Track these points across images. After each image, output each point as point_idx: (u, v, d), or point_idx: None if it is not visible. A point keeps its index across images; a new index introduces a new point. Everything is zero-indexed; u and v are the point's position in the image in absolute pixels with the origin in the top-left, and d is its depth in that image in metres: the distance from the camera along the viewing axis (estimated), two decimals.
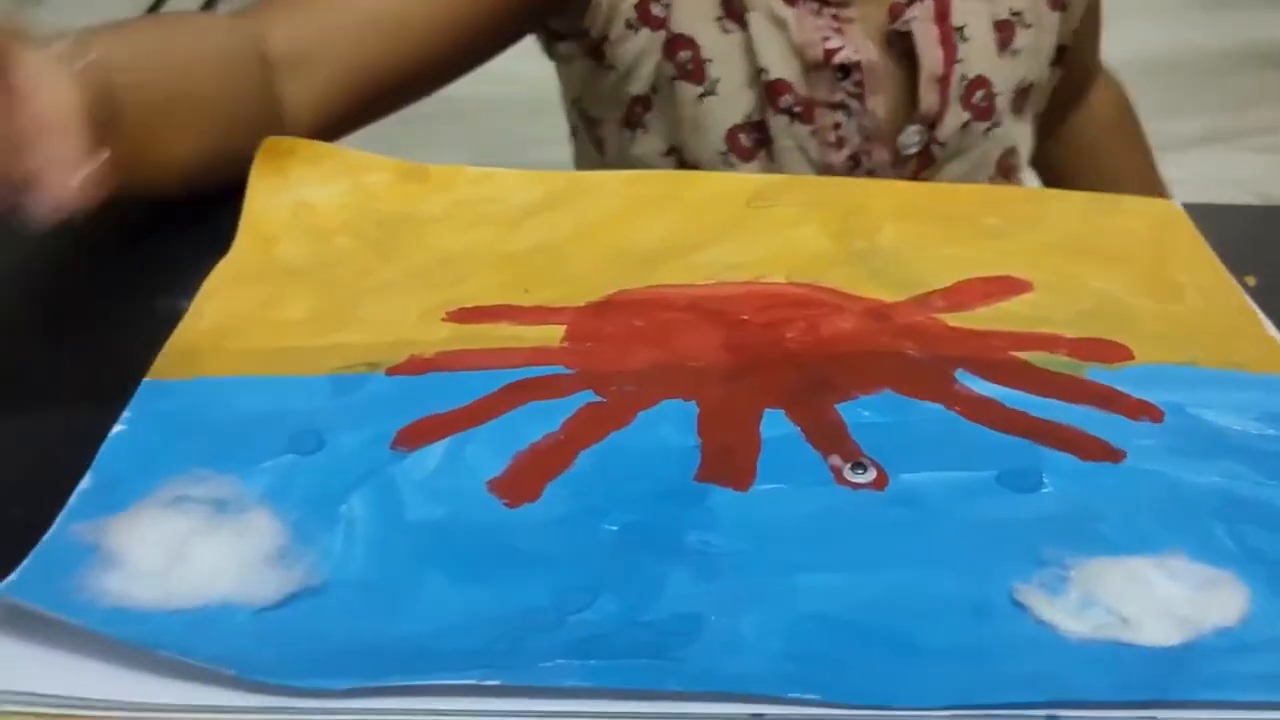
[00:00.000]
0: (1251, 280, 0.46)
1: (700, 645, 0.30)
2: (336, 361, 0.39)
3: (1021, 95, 0.64)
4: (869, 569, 0.32)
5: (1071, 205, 0.48)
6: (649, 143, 0.61)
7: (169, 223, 0.48)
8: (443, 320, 0.42)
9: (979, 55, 0.61)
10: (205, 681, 0.28)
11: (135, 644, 0.28)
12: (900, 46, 0.59)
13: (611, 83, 0.61)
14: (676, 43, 0.59)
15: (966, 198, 0.50)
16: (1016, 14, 0.62)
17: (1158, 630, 0.29)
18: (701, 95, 0.59)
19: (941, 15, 0.59)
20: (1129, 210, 0.48)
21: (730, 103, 0.59)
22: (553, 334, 0.41)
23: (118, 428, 0.36)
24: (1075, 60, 0.68)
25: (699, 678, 0.28)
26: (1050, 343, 0.40)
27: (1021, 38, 0.62)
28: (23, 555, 0.31)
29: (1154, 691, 0.28)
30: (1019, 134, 0.64)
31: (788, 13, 0.58)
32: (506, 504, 0.34)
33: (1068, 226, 0.46)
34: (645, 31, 0.59)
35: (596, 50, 0.60)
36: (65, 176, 0.34)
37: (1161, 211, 0.48)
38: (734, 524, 0.33)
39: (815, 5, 0.58)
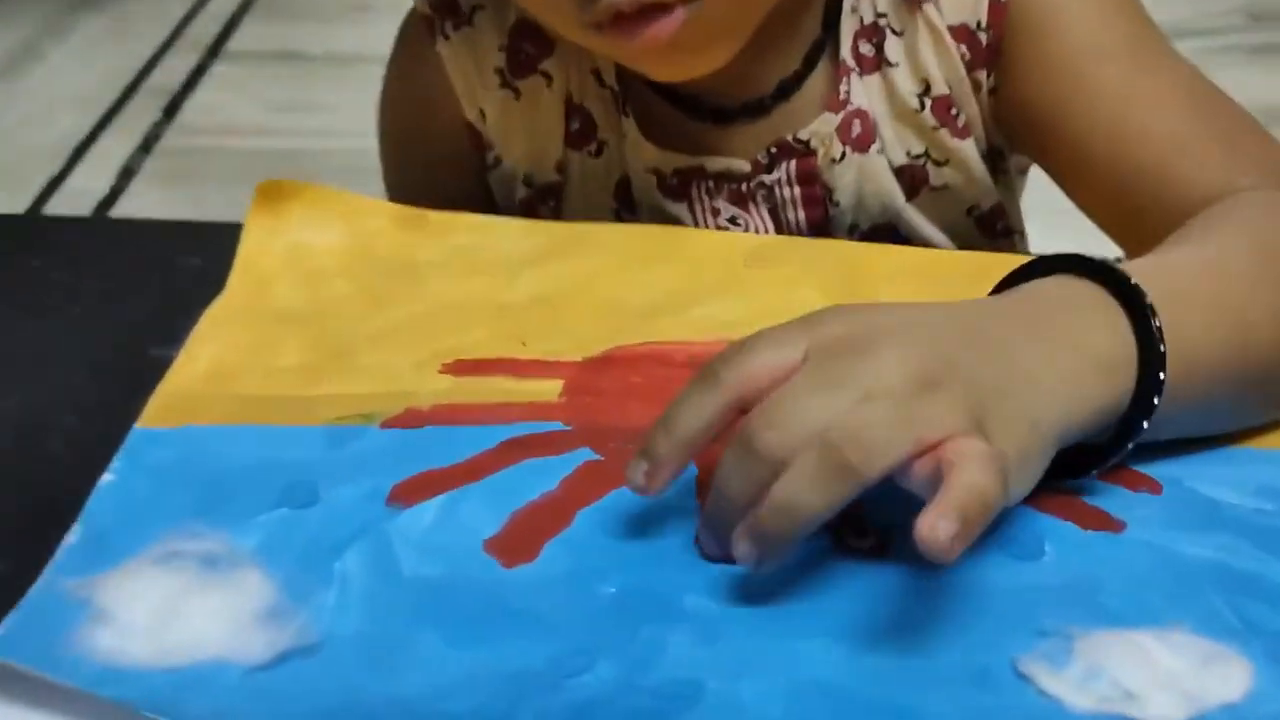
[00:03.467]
0: None
1: (699, 712, 0.29)
2: (331, 412, 0.39)
3: (988, 218, 0.56)
4: (869, 636, 0.31)
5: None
6: None
7: (161, 267, 0.48)
8: (440, 371, 0.41)
9: (872, 208, 0.54)
10: None
11: (125, 703, 0.28)
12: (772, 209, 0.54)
13: None
14: None
15: (965, 264, 0.50)
16: (920, 155, 0.54)
17: (1164, 706, 0.29)
18: None
19: (806, 177, 0.53)
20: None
21: None
22: (550, 388, 0.40)
23: (106, 477, 0.36)
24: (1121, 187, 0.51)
25: None
26: None
27: (937, 176, 0.54)
28: (7, 610, 0.30)
29: None
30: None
31: (677, 207, 0.54)
32: (502, 564, 0.33)
33: None
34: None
35: None
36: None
37: None
38: (733, 588, 0.33)
39: (709, 186, 0.54)
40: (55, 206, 1.45)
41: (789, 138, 0.53)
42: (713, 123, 0.53)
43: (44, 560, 0.32)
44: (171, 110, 1.68)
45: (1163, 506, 0.36)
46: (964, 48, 0.52)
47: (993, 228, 0.57)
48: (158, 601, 0.31)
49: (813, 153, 0.53)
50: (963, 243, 0.57)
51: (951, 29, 0.52)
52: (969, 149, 0.54)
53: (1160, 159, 0.48)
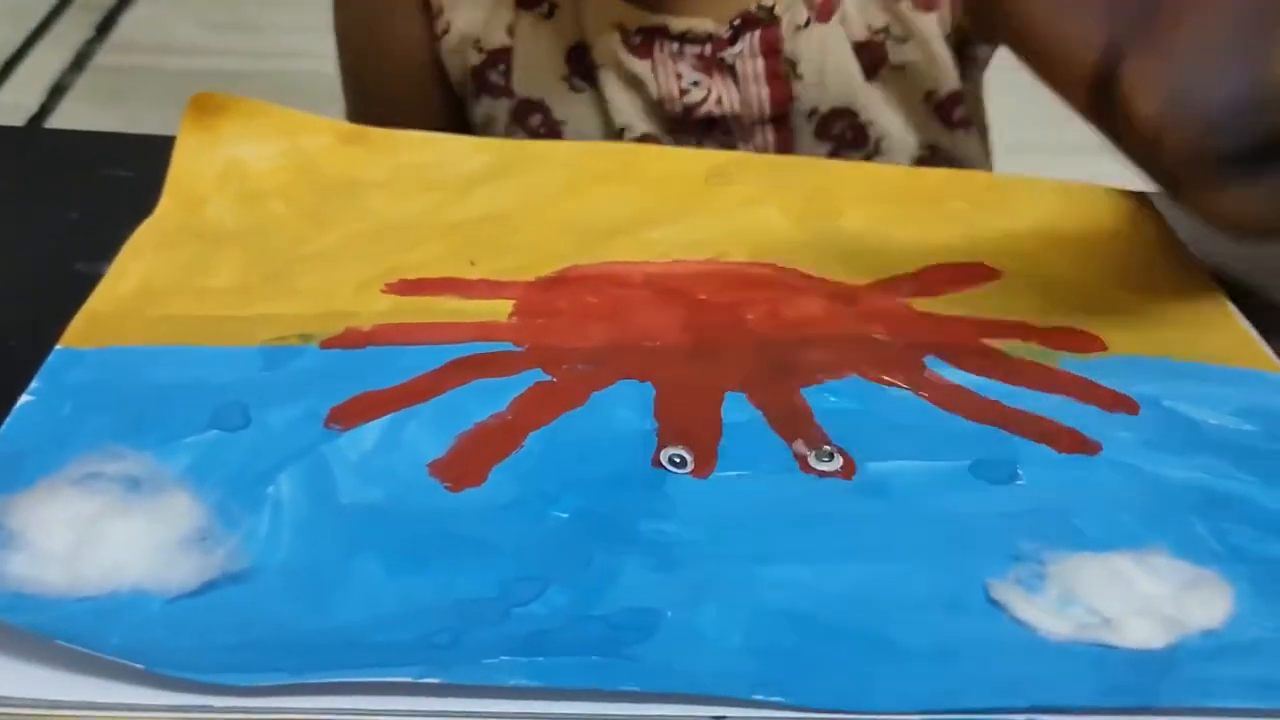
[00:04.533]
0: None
1: (656, 641, 0.27)
2: (267, 333, 0.37)
3: (946, 105, 0.57)
4: (836, 562, 0.30)
5: (1041, 193, 0.46)
6: None
7: (87, 179, 0.45)
8: (382, 292, 0.39)
9: (837, 86, 0.55)
10: (113, 676, 0.25)
11: (36, 633, 0.26)
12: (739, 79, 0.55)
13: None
14: (523, 107, 0.57)
15: (933, 182, 0.48)
16: (880, 30, 0.55)
17: (1142, 631, 0.28)
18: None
19: (770, 52, 0.54)
20: (1100, 200, 0.46)
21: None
22: (500, 309, 0.38)
23: (24, 398, 0.33)
24: None
25: (655, 677, 0.26)
26: (1021, 331, 0.38)
27: (898, 54, 0.56)
28: None
29: (1140, 697, 0.26)
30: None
31: (641, 65, 0.54)
32: (448, 488, 0.32)
33: (1037, 213, 0.45)
34: (487, 100, 0.57)
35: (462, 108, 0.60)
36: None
37: (1134, 203, 0.46)
38: (692, 512, 0.31)
39: (675, 46, 0.54)
40: None
41: (753, 7, 0.53)
42: None
43: None
44: (105, 26, 1.64)
45: (1141, 427, 0.34)
46: None
47: (950, 115, 0.57)
48: (75, 525, 0.29)
49: (776, 20, 0.53)
50: (919, 130, 0.56)
51: None
52: (931, 24, 0.55)
53: None
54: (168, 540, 0.29)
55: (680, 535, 0.30)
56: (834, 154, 0.57)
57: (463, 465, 0.32)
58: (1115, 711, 0.26)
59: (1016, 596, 0.28)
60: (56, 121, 1.44)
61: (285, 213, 0.43)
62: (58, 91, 1.50)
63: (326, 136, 0.46)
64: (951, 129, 0.58)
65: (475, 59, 0.57)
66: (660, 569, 0.29)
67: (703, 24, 0.54)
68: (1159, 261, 0.43)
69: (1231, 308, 0.41)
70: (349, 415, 0.33)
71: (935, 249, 0.42)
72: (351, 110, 0.62)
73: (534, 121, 0.57)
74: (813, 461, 0.33)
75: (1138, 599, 0.29)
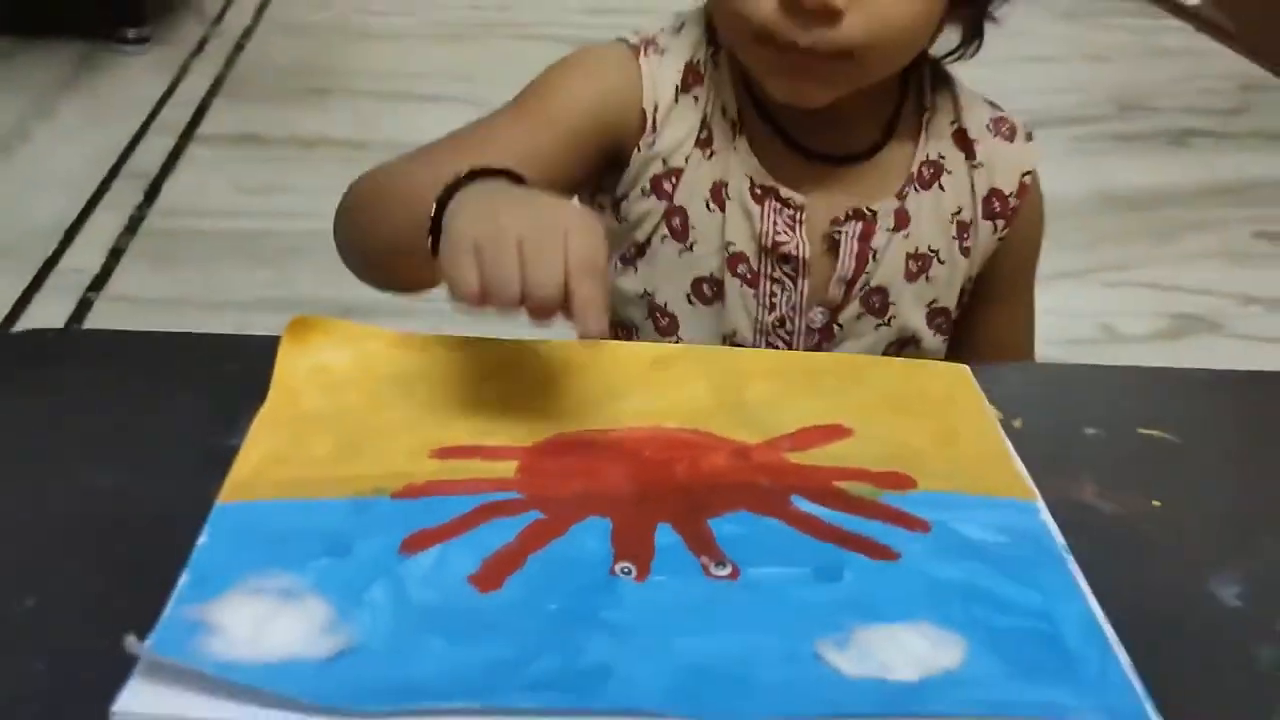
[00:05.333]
0: (1018, 423, 0.64)
1: (611, 685, 0.45)
2: (353, 488, 0.55)
3: (936, 314, 0.81)
4: (723, 633, 0.47)
5: (889, 369, 0.65)
6: (631, 282, 0.79)
7: (214, 376, 0.63)
8: (429, 457, 0.57)
9: (887, 274, 0.78)
10: (289, 709, 0.43)
11: (239, 683, 0.43)
12: (832, 249, 0.77)
13: (620, 230, 0.79)
14: (673, 211, 0.77)
15: (816, 363, 0.67)
16: (934, 251, 0.79)
17: (904, 671, 0.46)
18: (681, 251, 0.78)
19: (865, 237, 0.77)
20: (930, 373, 0.65)
21: (702, 261, 0.78)
22: (509, 467, 0.56)
23: (202, 539, 0.51)
24: (1004, 341, 0.86)
25: (609, 706, 0.44)
26: (860, 475, 0.57)
27: (936, 271, 0.79)
28: (142, 627, 0.46)
29: (900, 709, 0.44)
30: (929, 345, 0.81)
31: (755, 208, 0.76)
32: (479, 591, 0.49)
33: (884, 386, 0.64)
34: (653, 199, 0.77)
35: (616, 204, 0.78)
36: (600, 311, 0.54)
37: (954, 374, 0.65)
38: (635, 605, 0.49)
39: (777, 205, 0.76)
40: (53, 284, 1.59)
41: (864, 207, 0.77)
42: (796, 159, 0.77)
43: (158, 592, 0.48)
44: (152, 193, 1.83)
45: (930, 541, 0.53)
46: (996, 203, 0.81)
47: (938, 323, 0.82)
48: (251, 620, 0.46)
49: (874, 221, 0.77)
50: (916, 323, 0.81)
51: (993, 189, 0.80)
52: (962, 264, 0.80)
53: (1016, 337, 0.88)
54: (312, 626, 0.46)
55: (626, 620, 0.48)
56: (860, 318, 0.79)
57: (488, 578, 0.50)
58: (886, 715, 0.44)
59: (830, 651, 0.46)
60: (117, 281, 1.62)
61: (356, 400, 0.61)
62: (115, 254, 1.68)
63: (382, 342, 0.65)
64: (934, 332, 0.81)
65: (659, 169, 0.77)
66: (615, 642, 0.47)
67: (798, 198, 0.76)
68: (963, 421, 0.62)
69: (1012, 453, 0.59)
70: (414, 545, 0.51)
71: (809, 414, 0.61)
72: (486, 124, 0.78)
73: (675, 222, 0.77)
74: (713, 570, 0.51)
75: (904, 652, 0.46)
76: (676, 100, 0.77)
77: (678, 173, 0.77)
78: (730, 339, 0.78)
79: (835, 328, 0.79)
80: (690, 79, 0.77)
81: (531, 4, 2.84)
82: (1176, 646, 0.51)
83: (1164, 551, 0.57)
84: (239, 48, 2.44)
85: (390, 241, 0.69)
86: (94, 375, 0.64)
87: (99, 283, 1.61)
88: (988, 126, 0.81)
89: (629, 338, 0.81)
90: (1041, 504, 0.56)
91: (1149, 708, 0.45)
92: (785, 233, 0.76)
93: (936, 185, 0.79)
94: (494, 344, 0.66)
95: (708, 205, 0.77)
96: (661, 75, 0.77)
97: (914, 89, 0.79)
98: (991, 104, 0.83)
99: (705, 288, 0.78)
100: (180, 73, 2.28)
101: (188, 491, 0.54)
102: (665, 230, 0.78)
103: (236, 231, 1.75)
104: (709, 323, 0.79)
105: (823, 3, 0.67)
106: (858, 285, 0.78)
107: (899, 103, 0.79)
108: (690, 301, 0.78)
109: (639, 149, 0.77)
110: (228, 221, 1.78)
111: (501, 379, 0.63)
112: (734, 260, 0.77)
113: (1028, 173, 0.81)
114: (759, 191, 0.76)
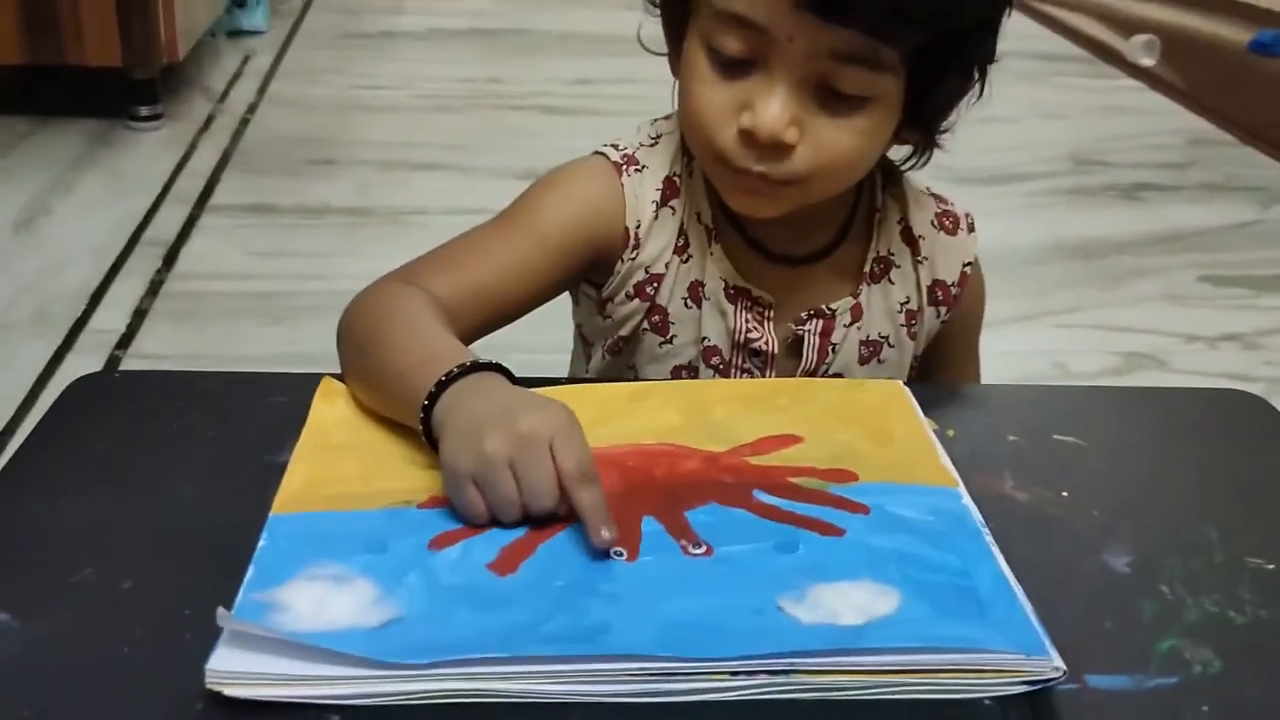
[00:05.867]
0: (951, 433, 0.75)
1: (610, 638, 0.55)
2: (385, 501, 0.65)
3: None
4: (701, 596, 0.58)
5: (833, 388, 0.76)
6: (620, 366, 0.88)
7: (264, 406, 0.74)
8: None
9: (843, 362, 0.87)
10: (349, 665, 0.53)
11: (307, 645, 0.53)
12: (794, 343, 0.85)
13: (605, 326, 0.87)
14: (654, 310, 0.85)
15: (767, 387, 0.78)
16: (884, 337, 0.87)
17: (850, 616, 0.56)
18: (662, 344, 0.86)
19: (825, 333, 0.85)
20: (869, 389, 0.77)
21: (679, 353, 0.86)
22: None
23: (261, 543, 0.61)
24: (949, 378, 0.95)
25: (609, 651, 0.54)
26: (810, 472, 0.67)
27: (886, 354, 0.88)
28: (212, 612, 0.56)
29: (849, 644, 0.54)
30: None
31: (729, 307, 0.84)
32: (498, 575, 0.59)
33: (828, 401, 0.75)
34: (636, 302, 0.85)
35: (601, 304, 0.86)
36: (606, 515, 0.61)
37: (889, 389, 0.76)
38: (627, 579, 0.59)
39: (748, 303, 0.84)
40: (83, 343, 1.70)
41: (824, 307, 0.85)
42: (763, 262, 0.85)
43: (231, 579, 0.58)
44: (170, 259, 1.95)
45: (870, 521, 0.63)
46: (939, 293, 0.89)
47: None
48: (311, 600, 0.56)
49: (833, 318, 0.86)
50: None
51: (936, 280, 0.88)
52: (909, 346, 0.89)
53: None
54: (361, 603, 0.57)
55: (620, 590, 0.58)
56: None
57: (505, 563, 0.60)
58: (836, 653, 0.54)
59: (790, 604, 0.57)
60: (142, 340, 1.72)
61: (376, 435, 0.72)
62: (139, 315, 1.79)
63: None
64: None
65: (641, 276, 0.83)
66: (611, 605, 0.57)
67: (766, 296, 0.84)
68: (898, 425, 0.72)
69: (940, 451, 0.70)
70: (441, 543, 0.61)
71: (766, 427, 0.72)
72: (447, 247, 0.82)
73: (655, 319, 0.85)
74: (690, 550, 0.61)
75: (850, 602, 0.57)
76: (656, 215, 0.83)
77: (659, 278, 0.84)
78: None
79: None
80: (668, 192, 0.83)
81: (520, 76, 2.98)
82: (1076, 602, 0.62)
83: (1068, 530, 0.68)
84: (244, 123, 2.58)
85: (382, 406, 0.73)
86: (168, 406, 0.75)
87: (125, 341, 1.72)
88: (932, 222, 0.88)
89: None
90: (963, 490, 0.67)
91: (1046, 641, 0.56)
92: (755, 329, 0.84)
93: (886, 279, 0.87)
94: None
95: (685, 303, 0.85)
96: (642, 193, 0.83)
97: (866, 191, 0.86)
98: (937, 197, 0.90)
99: (683, 373, 0.87)
100: (191, 148, 2.42)
101: (251, 498, 0.65)
102: (647, 326, 0.85)
103: (250, 293, 1.86)
104: None
105: (775, 138, 0.73)
106: (818, 374, 0.86)
107: (853, 206, 0.86)
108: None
109: (623, 260, 0.83)
110: (241, 284, 1.89)
111: None
112: (708, 352, 0.85)
113: (969, 263, 0.89)
114: (732, 292, 0.84)
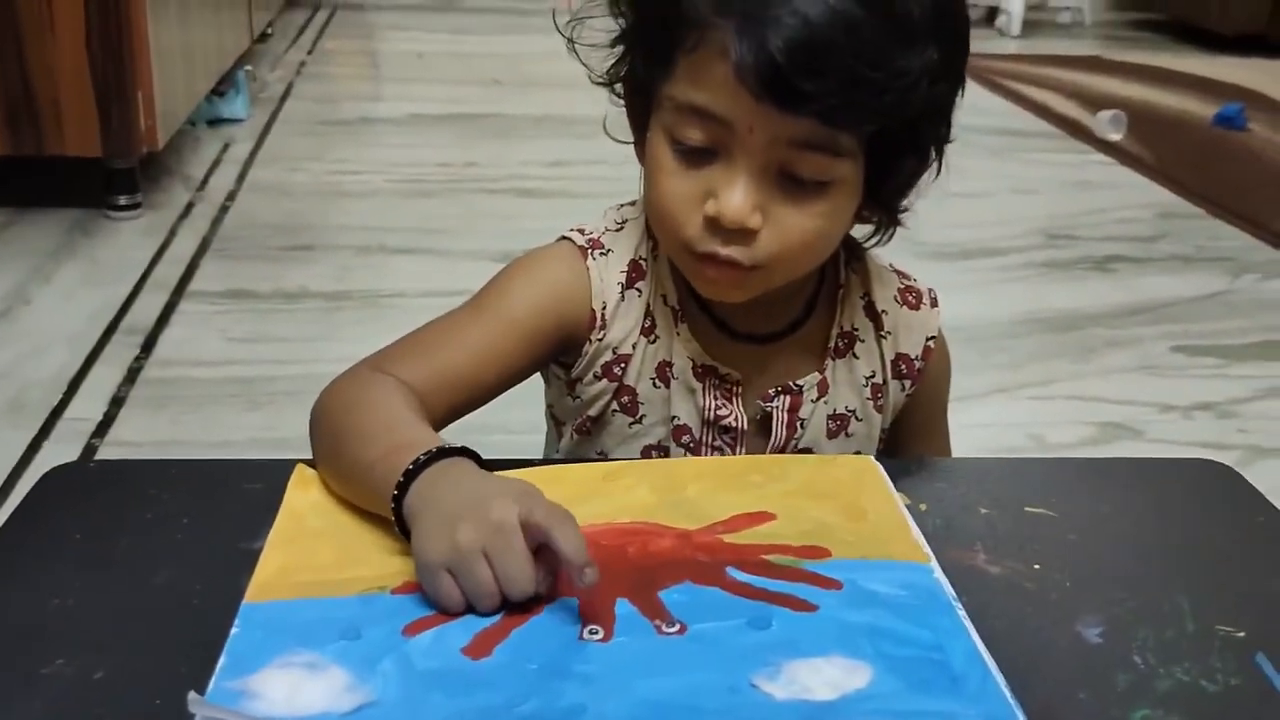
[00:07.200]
0: (924, 506, 0.75)
1: (585, 719, 0.55)
2: (359, 587, 0.65)
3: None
4: (675, 675, 0.58)
5: (805, 464, 0.77)
6: (590, 446, 0.88)
7: (234, 490, 0.74)
8: None
9: (812, 437, 0.88)
10: None
11: None
12: (763, 420, 0.86)
13: (575, 406, 0.87)
14: (623, 390, 0.86)
15: (740, 465, 0.78)
16: (851, 411, 0.89)
17: (823, 692, 0.56)
18: (631, 424, 0.86)
19: (793, 409, 0.86)
20: (840, 465, 0.77)
21: (649, 433, 0.86)
22: None
23: (234, 630, 0.61)
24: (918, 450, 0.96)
25: None
26: (784, 549, 0.68)
27: (854, 427, 0.89)
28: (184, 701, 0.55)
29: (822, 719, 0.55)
30: None
31: (697, 385, 0.85)
32: (471, 659, 0.59)
33: (801, 477, 0.75)
34: (604, 382, 0.85)
35: (571, 385, 0.87)
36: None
37: (861, 464, 0.77)
38: (601, 660, 0.59)
39: (716, 381, 0.85)
40: (60, 432, 1.69)
41: (790, 383, 0.86)
42: (730, 340, 0.86)
43: (199, 675, 0.58)
44: (148, 346, 1.95)
45: (842, 597, 0.64)
46: (903, 366, 0.90)
47: None
48: (284, 686, 0.56)
49: (800, 394, 0.87)
50: None
51: (899, 354, 0.89)
52: (877, 420, 0.90)
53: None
54: (335, 689, 0.56)
55: (595, 671, 0.58)
56: None
57: (479, 647, 0.60)
58: None
59: (764, 682, 0.57)
60: (118, 428, 1.71)
61: (350, 521, 0.72)
62: (116, 402, 1.77)
63: None
64: None
65: (609, 357, 0.84)
66: (584, 687, 0.57)
67: (734, 374, 0.85)
68: (870, 500, 0.73)
69: (912, 525, 0.71)
70: (415, 629, 0.61)
71: (739, 505, 0.72)
72: (421, 332, 0.83)
73: (625, 400, 0.85)
74: (664, 629, 0.61)
75: (822, 678, 0.57)
76: (622, 297, 0.84)
77: (626, 358, 0.85)
78: None
79: None
80: (634, 274, 0.85)
81: (495, 160, 3.00)
82: (1049, 672, 0.62)
83: (1040, 602, 0.68)
84: (224, 209, 2.59)
85: (354, 498, 0.73)
86: (143, 495, 0.75)
87: (102, 429, 1.70)
88: (895, 298, 0.90)
89: None
90: (935, 565, 0.67)
91: (1019, 713, 0.56)
92: (724, 406, 0.85)
93: (850, 354, 0.88)
94: None
95: (654, 383, 0.85)
96: (608, 275, 0.84)
97: (830, 268, 0.88)
98: (900, 273, 0.92)
99: (654, 453, 0.87)
100: (170, 235, 2.42)
101: (226, 586, 0.65)
102: (616, 406, 0.86)
103: (228, 378, 1.86)
104: None
105: (740, 224, 0.74)
106: (788, 449, 0.86)
107: (817, 283, 0.88)
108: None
109: (590, 341, 0.84)
110: (219, 370, 1.89)
111: None
112: (678, 431, 0.86)
113: (932, 337, 0.91)
114: (700, 370, 0.85)
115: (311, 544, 0.69)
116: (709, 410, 0.85)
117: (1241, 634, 0.66)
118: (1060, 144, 3.42)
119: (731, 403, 0.86)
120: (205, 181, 2.75)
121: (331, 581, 0.66)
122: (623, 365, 0.86)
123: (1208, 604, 0.68)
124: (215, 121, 3.14)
